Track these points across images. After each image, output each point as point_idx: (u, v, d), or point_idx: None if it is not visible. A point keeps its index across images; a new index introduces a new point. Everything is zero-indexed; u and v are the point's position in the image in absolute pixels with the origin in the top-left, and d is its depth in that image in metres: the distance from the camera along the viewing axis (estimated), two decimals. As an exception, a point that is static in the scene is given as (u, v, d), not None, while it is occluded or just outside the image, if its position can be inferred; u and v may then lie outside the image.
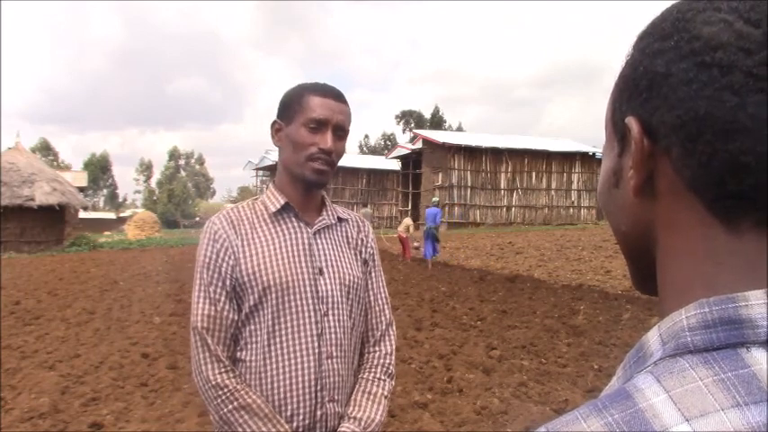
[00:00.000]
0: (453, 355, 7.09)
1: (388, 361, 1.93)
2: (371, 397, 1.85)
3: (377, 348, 1.93)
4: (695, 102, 0.47)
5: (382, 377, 1.90)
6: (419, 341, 7.82)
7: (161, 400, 5.72)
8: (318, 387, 1.75)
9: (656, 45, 0.51)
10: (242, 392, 1.70)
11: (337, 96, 1.79)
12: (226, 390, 1.69)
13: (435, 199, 20.69)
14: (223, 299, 1.74)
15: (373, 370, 1.90)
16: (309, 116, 1.74)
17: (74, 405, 5.56)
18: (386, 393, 1.89)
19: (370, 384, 1.87)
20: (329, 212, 1.91)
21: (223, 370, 1.71)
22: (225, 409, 1.69)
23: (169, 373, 6.49)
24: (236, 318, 1.76)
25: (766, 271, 0.47)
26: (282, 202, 1.83)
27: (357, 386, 1.87)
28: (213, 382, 1.70)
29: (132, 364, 6.97)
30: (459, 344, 7.63)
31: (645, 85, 0.51)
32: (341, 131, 1.78)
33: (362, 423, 1.79)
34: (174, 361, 6.94)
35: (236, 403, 1.69)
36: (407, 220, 20.03)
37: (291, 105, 1.78)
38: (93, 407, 5.56)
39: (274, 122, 1.84)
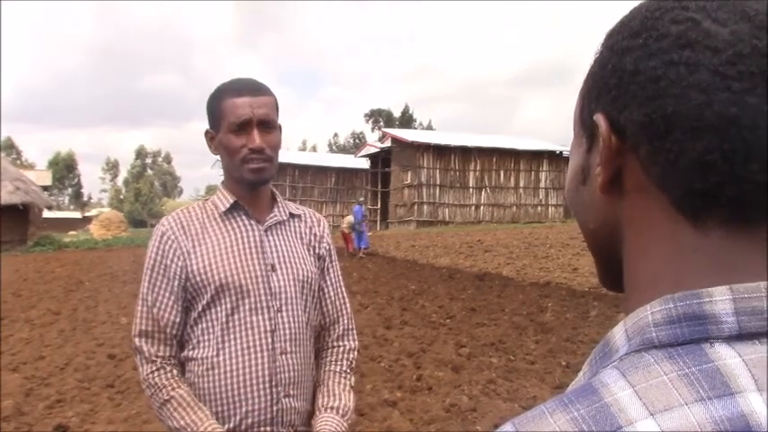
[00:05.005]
0: (423, 353, 7.12)
1: (352, 356, 1.97)
2: (343, 387, 1.89)
3: (340, 343, 1.96)
4: (663, 99, 0.47)
5: (348, 371, 1.94)
6: (388, 339, 7.83)
7: (127, 401, 5.65)
8: (273, 383, 1.77)
9: (624, 43, 0.51)
10: (168, 387, 1.73)
11: (255, 91, 1.76)
12: (155, 387, 1.74)
13: (359, 198, 26.31)
14: (165, 300, 1.77)
15: (339, 363, 1.93)
16: (231, 120, 1.73)
17: (38, 407, 5.47)
18: (352, 385, 1.94)
19: (339, 376, 1.91)
20: (281, 209, 1.91)
21: (155, 368, 1.75)
22: (156, 405, 1.74)
23: (136, 375, 6.38)
24: (178, 319, 1.78)
25: (731, 267, 0.47)
26: (231, 200, 1.83)
27: (325, 378, 1.90)
28: (148, 381, 1.75)
29: (98, 365, 6.88)
30: (429, 342, 7.66)
31: (613, 83, 0.51)
32: (267, 124, 1.76)
33: (340, 411, 1.82)
34: (140, 362, 6.84)
35: (163, 399, 1.73)
36: (349, 218, 22.14)
37: (214, 113, 1.79)
38: (59, 409, 5.47)
39: (207, 132, 1.84)
